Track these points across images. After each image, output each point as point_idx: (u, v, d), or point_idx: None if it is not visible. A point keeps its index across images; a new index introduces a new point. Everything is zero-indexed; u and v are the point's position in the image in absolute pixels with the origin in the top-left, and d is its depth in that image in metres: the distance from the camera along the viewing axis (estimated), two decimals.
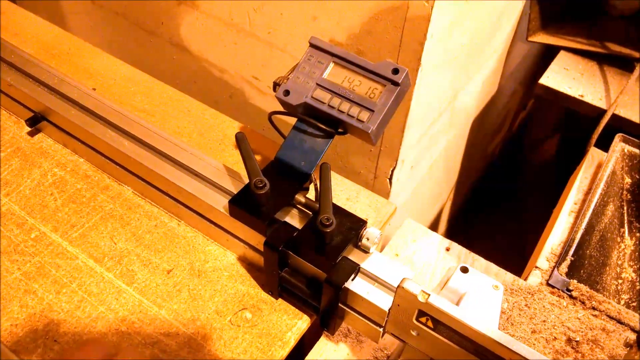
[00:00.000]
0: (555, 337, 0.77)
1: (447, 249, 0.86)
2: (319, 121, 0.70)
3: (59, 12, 1.41)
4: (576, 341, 0.76)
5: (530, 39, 1.30)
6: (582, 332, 0.77)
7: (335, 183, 0.83)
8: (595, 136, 1.12)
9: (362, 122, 0.67)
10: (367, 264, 0.65)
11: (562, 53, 1.32)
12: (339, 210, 0.67)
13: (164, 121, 0.90)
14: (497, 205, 2.24)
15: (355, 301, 0.63)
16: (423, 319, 0.57)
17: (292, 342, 0.66)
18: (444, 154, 1.31)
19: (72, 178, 0.81)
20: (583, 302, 0.82)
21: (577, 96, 1.21)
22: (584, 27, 1.36)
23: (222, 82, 1.15)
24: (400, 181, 1.05)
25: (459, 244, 0.87)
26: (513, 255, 2.03)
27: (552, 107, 2.07)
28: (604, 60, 1.30)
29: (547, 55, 1.88)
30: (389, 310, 0.60)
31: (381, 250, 0.85)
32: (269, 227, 0.66)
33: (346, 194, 0.82)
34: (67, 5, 1.38)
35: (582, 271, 0.91)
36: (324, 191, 0.65)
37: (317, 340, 0.73)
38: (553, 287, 0.84)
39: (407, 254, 0.84)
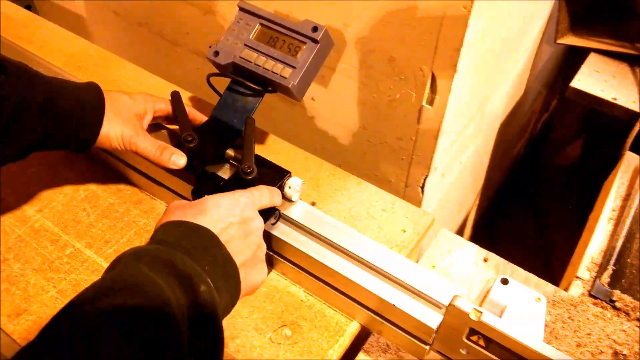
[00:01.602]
0: (601, 351, 0.74)
1: (485, 260, 0.84)
2: (248, 80, 0.74)
3: (81, 23, 1.41)
4: (623, 354, 0.74)
5: (559, 41, 1.27)
6: (628, 345, 0.75)
7: (370, 193, 0.81)
8: (630, 140, 1.09)
9: (285, 78, 0.71)
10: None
11: (592, 55, 1.30)
12: (264, 163, 0.71)
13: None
14: (520, 208, 2.21)
15: (402, 318, 0.61)
16: (474, 338, 0.55)
17: None
18: (472, 159, 1.29)
19: (104, 192, 0.80)
20: (627, 314, 0.80)
21: (610, 99, 1.18)
22: (613, 28, 1.33)
23: None
24: (431, 189, 1.03)
25: (483, 248, 0.85)
26: (537, 258, 2.01)
27: (575, 108, 2.04)
28: (635, 61, 1.27)
29: (570, 56, 1.85)
30: (438, 328, 0.58)
31: (417, 261, 0.84)
32: (199, 179, 0.70)
33: (382, 204, 0.80)
34: (89, 16, 1.37)
35: (623, 280, 0.89)
36: (247, 143, 0.70)
37: (355, 356, 0.71)
38: (595, 297, 0.82)
39: (444, 265, 0.82)
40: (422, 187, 0.99)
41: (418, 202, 1.02)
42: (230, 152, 0.72)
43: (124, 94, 0.72)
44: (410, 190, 1.02)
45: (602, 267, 0.86)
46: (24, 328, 0.65)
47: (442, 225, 0.86)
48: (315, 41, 0.71)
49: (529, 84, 1.47)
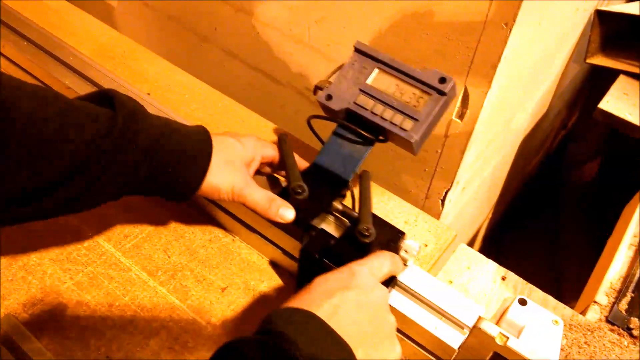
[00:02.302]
0: None
1: (503, 278, 0.83)
2: (361, 127, 0.68)
3: (109, 12, 1.41)
4: None
5: (588, 60, 1.26)
6: None
7: (394, 205, 0.80)
8: None
9: (406, 130, 0.65)
10: (411, 281, 0.63)
11: (621, 77, 1.28)
12: (376, 220, 0.65)
13: (219, 131, 0.88)
14: (532, 223, 2.19)
15: (421, 335, 0.60)
16: None
17: None
18: (492, 174, 1.28)
19: None
20: None
21: (638, 123, 1.16)
22: None
23: (274, 92, 1.13)
24: (451, 202, 1.02)
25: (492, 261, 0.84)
26: (546, 274, 1.99)
27: (595, 127, 2.02)
28: None
29: (594, 75, 1.84)
30: (459, 348, 0.57)
31: (436, 276, 0.83)
32: (305, 234, 0.65)
33: (405, 217, 0.79)
34: (118, 6, 1.37)
35: None
36: (363, 200, 0.64)
37: None
38: (613, 323, 0.81)
39: (462, 281, 0.81)
40: (443, 200, 0.98)
41: (437, 215, 1.01)
42: (337, 204, 0.67)
43: (233, 138, 0.68)
44: (429, 202, 1.01)
45: (620, 294, 0.85)
46: (39, 319, 0.65)
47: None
48: (442, 93, 0.65)
49: (552, 102, 1.45)
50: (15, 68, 0.93)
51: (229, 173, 0.64)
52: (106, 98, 0.59)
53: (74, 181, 0.54)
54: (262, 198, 0.64)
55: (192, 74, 0.97)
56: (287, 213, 0.64)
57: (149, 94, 0.91)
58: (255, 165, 0.70)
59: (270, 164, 0.73)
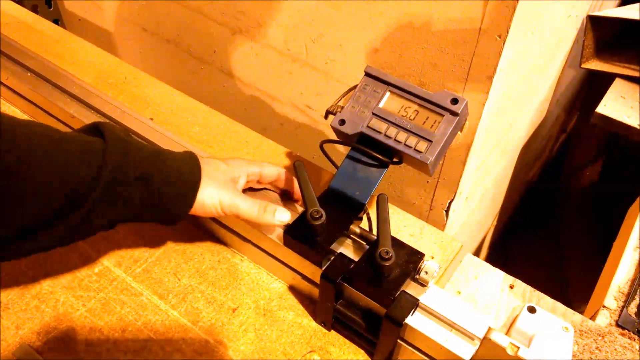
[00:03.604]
0: None
1: (511, 287, 0.83)
2: (375, 151, 0.69)
3: (108, 38, 1.43)
4: None
5: (584, 65, 1.27)
6: None
7: (398, 218, 0.81)
8: None
9: (420, 152, 0.66)
10: (432, 302, 0.62)
11: (617, 80, 1.29)
12: (395, 242, 0.65)
13: (222, 153, 0.89)
14: (536, 229, 2.19)
15: (432, 348, 0.61)
16: None
17: None
18: (494, 183, 1.28)
19: None
20: None
21: (636, 126, 1.17)
22: (639, 53, 1.32)
23: (273, 110, 1.14)
24: (455, 212, 1.02)
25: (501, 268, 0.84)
26: (552, 280, 1.99)
27: (595, 131, 2.03)
28: None
29: (591, 77, 1.85)
30: None
31: (443, 287, 0.83)
32: (325, 258, 0.65)
33: (410, 229, 0.80)
34: (116, 32, 1.39)
35: None
36: (381, 223, 0.64)
37: None
38: (623, 327, 0.81)
39: (470, 291, 0.81)
40: (447, 211, 0.99)
41: (442, 226, 1.02)
42: (355, 227, 0.68)
43: (219, 160, 0.71)
44: (434, 213, 1.01)
45: (629, 297, 0.85)
46: (53, 346, 0.65)
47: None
48: (454, 114, 0.66)
49: (550, 108, 1.46)
50: (18, 98, 0.94)
51: (215, 189, 0.66)
52: (97, 130, 0.61)
53: (73, 214, 0.55)
54: (253, 205, 0.67)
55: (191, 95, 0.98)
56: (284, 215, 0.66)
57: (152, 119, 0.92)
58: (242, 182, 0.71)
59: (258, 182, 0.74)
